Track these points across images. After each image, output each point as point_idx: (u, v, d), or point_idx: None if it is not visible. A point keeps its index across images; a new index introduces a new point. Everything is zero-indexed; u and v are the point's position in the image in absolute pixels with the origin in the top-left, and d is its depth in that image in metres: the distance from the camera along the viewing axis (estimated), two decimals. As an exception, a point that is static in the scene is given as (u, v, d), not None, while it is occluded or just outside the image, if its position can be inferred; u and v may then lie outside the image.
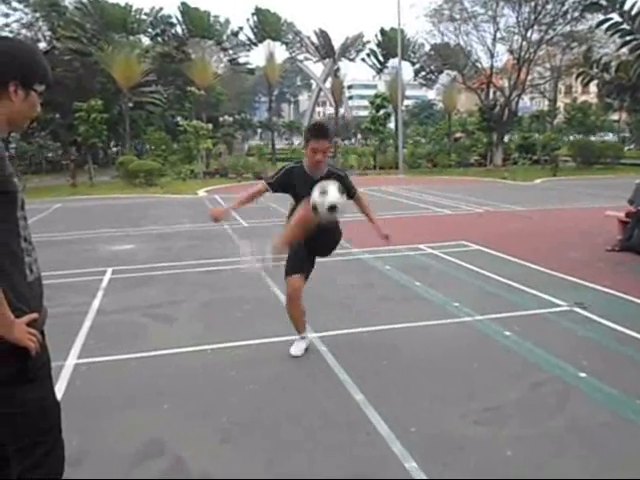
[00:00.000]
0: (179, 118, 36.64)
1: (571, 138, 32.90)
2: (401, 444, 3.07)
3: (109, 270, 7.51)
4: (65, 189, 21.77)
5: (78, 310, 5.71)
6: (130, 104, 31.08)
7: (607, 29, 7.69)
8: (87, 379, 4.07)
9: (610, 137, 34.35)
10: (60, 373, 4.11)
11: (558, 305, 5.49)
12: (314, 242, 4.20)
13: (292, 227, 4.04)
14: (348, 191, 4.09)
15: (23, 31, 33.67)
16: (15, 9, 33.47)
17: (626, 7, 7.17)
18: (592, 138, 31.49)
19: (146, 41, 37.41)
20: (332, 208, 3.72)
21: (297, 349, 4.45)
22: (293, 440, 3.18)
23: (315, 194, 3.74)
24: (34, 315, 1.91)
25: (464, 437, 3.15)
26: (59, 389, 3.85)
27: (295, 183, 4.14)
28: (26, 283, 1.90)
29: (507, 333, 4.75)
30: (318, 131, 4.09)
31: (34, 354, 1.87)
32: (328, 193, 3.72)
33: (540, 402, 3.55)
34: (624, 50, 8.53)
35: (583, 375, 3.90)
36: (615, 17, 7.36)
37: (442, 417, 3.39)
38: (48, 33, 34.82)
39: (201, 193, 19.72)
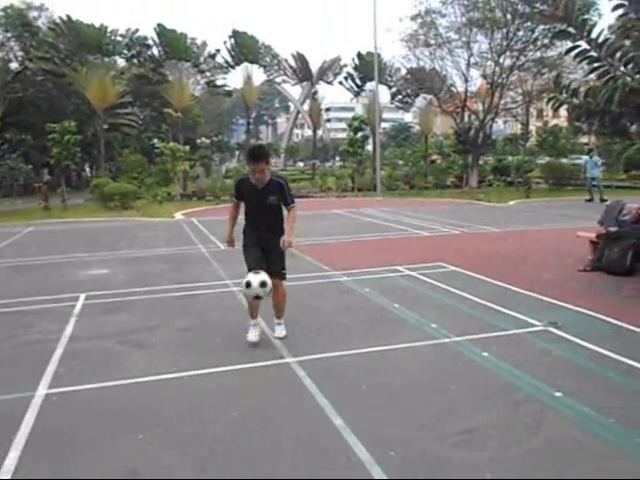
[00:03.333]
0: (156, 140, 36.54)
1: (545, 160, 33.60)
2: (380, 468, 3.05)
3: (82, 295, 7.38)
4: (37, 212, 21.42)
5: (50, 337, 5.58)
6: (105, 126, 30.90)
7: (576, 56, 7.91)
8: (58, 409, 3.96)
9: (581, 159, 35.23)
10: (30, 403, 4.00)
11: (533, 325, 5.56)
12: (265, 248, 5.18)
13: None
14: (284, 200, 5.14)
15: (-6, 51, 33.42)
16: (-14, 29, 33.28)
17: (593, 35, 7.40)
18: (563, 160, 32.14)
19: (122, 62, 37.42)
20: (257, 296, 4.92)
21: (253, 335, 5.18)
22: (273, 466, 3.13)
23: (255, 283, 4.83)
24: None
25: (444, 459, 3.14)
26: (28, 420, 3.75)
27: (244, 192, 5.21)
28: None
29: (484, 354, 4.78)
30: (253, 155, 5.03)
31: None
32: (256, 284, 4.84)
33: (518, 422, 3.56)
34: (592, 76, 8.78)
35: (558, 394, 3.94)
36: (583, 44, 7.58)
37: (421, 440, 3.38)
38: (20, 53, 34.59)
39: (178, 216, 19.58)
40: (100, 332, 5.76)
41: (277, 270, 5.17)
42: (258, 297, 4.93)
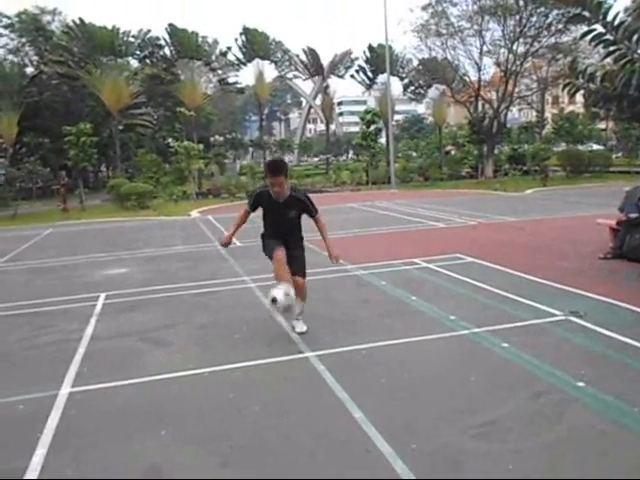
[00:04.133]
0: (170, 139, 36.76)
1: (561, 147, 33.19)
2: (402, 461, 3.04)
3: (102, 295, 7.47)
4: (56, 214, 21.71)
5: (71, 337, 5.66)
6: (120, 127, 31.21)
7: (591, 40, 7.77)
8: (82, 408, 4.02)
9: (594, 147, 34.73)
10: (54, 403, 4.06)
11: (554, 315, 5.50)
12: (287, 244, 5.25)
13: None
14: (308, 213, 5.28)
15: (9, 57, 33.84)
16: (0, 35, 33.64)
17: (609, 18, 7.26)
18: (580, 147, 31.72)
19: (134, 63, 37.72)
20: (274, 301, 4.86)
21: (300, 325, 5.40)
22: (293, 461, 3.14)
23: (280, 296, 4.83)
24: None
25: (464, 452, 3.13)
26: (53, 419, 3.81)
27: (264, 204, 5.24)
28: None
29: (504, 345, 4.74)
30: (272, 169, 5.09)
31: None
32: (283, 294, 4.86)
33: (539, 413, 3.53)
34: (608, 60, 8.63)
35: (581, 384, 3.89)
36: (599, 28, 7.44)
37: (442, 432, 3.37)
38: (35, 58, 35.02)
39: (194, 214, 19.71)
40: (120, 331, 5.82)
41: (298, 271, 5.29)
42: (288, 307, 5.04)
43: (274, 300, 4.85)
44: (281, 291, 4.84)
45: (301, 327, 5.41)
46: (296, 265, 5.28)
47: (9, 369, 4.93)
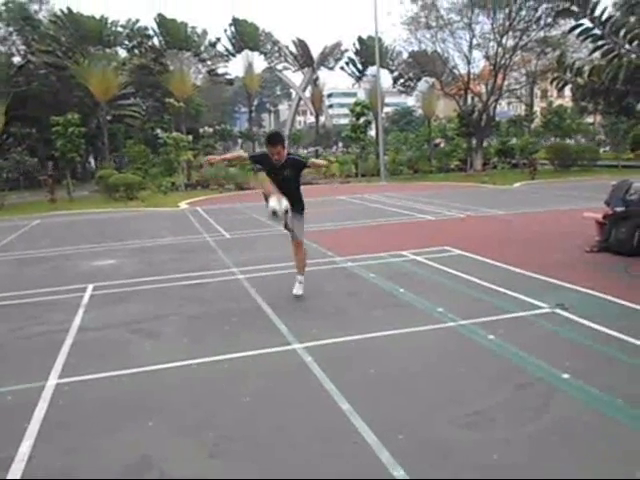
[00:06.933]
0: (159, 130, 36.48)
1: (550, 141, 33.38)
2: (389, 452, 3.07)
3: (90, 286, 7.43)
4: (44, 205, 21.52)
5: (59, 328, 5.63)
6: (108, 117, 30.91)
7: (579, 34, 7.81)
8: (70, 399, 4.01)
9: (581, 140, 34.98)
10: (41, 393, 4.05)
11: (540, 307, 5.55)
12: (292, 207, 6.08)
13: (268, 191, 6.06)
14: (302, 165, 6.27)
15: (-4, 46, 33.36)
16: (-13, 24, 33.17)
17: (597, 13, 7.30)
18: (568, 141, 31.92)
19: (123, 53, 37.27)
20: (274, 213, 5.86)
21: (299, 288, 6.34)
22: (281, 452, 3.17)
23: (273, 204, 5.83)
24: None
25: (452, 442, 3.16)
26: (40, 409, 3.80)
27: (264, 164, 6.15)
28: None
29: (491, 337, 4.79)
30: (271, 139, 6.08)
31: None
32: (278, 204, 5.85)
33: (525, 404, 3.58)
34: (596, 55, 8.68)
35: (566, 376, 3.94)
36: (586, 23, 7.49)
37: (429, 423, 3.40)
38: (22, 47, 34.55)
39: (183, 205, 19.62)
40: (109, 322, 5.80)
41: (297, 236, 6.31)
42: (286, 213, 5.92)
43: (274, 212, 5.79)
44: (275, 201, 5.79)
45: (298, 289, 6.28)
46: (296, 231, 6.28)
47: (-4, 360, 4.90)
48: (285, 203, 5.82)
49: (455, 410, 3.53)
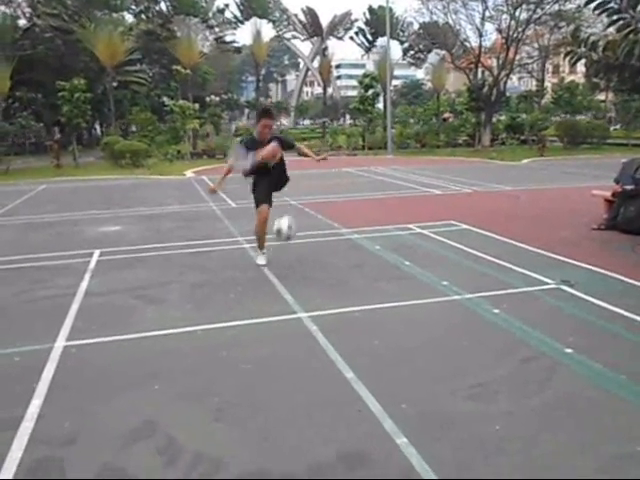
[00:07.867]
0: (165, 98, 36.11)
1: (559, 117, 32.95)
2: (392, 420, 3.11)
3: (97, 252, 7.46)
4: (49, 170, 21.49)
5: (66, 292, 5.67)
6: (114, 83, 30.60)
7: (595, 8, 7.65)
8: (77, 361, 4.06)
9: (588, 117, 34.52)
10: (49, 355, 4.10)
11: (545, 283, 5.55)
12: (271, 183, 6.48)
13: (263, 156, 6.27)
14: (288, 145, 6.50)
15: (2, 7, 32.85)
16: (-7, -15, 32.63)
17: (614, -15, 7.14)
18: (579, 118, 31.53)
19: (130, 18, 36.78)
20: (279, 232, 6.28)
21: (262, 260, 6.52)
22: (285, 418, 3.20)
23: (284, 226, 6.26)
24: None
25: (454, 412, 3.19)
26: (49, 370, 3.85)
27: (252, 145, 6.35)
28: None
29: (495, 311, 4.80)
30: (267, 113, 6.47)
31: None
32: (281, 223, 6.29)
33: (528, 378, 3.60)
34: (611, 29, 8.51)
35: (569, 351, 3.96)
36: (604, -5, 7.32)
37: (432, 393, 3.43)
38: (28, 10, 34.06)
39: (188, 174, 19.57)
40: (114, 287, 5.84)
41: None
42: (289, 237, 6.35)
43: (279, 231, 6.15)
44: (286, 223, 6.17)
45: (261, 260, 6.50)
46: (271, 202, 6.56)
47: (4, 322, 4.95)
48: (287, 221, 6.22)
49: (458, 382, 3.56)
